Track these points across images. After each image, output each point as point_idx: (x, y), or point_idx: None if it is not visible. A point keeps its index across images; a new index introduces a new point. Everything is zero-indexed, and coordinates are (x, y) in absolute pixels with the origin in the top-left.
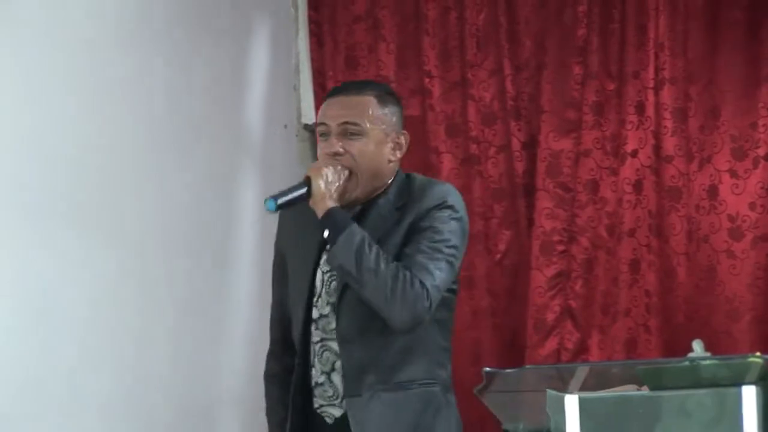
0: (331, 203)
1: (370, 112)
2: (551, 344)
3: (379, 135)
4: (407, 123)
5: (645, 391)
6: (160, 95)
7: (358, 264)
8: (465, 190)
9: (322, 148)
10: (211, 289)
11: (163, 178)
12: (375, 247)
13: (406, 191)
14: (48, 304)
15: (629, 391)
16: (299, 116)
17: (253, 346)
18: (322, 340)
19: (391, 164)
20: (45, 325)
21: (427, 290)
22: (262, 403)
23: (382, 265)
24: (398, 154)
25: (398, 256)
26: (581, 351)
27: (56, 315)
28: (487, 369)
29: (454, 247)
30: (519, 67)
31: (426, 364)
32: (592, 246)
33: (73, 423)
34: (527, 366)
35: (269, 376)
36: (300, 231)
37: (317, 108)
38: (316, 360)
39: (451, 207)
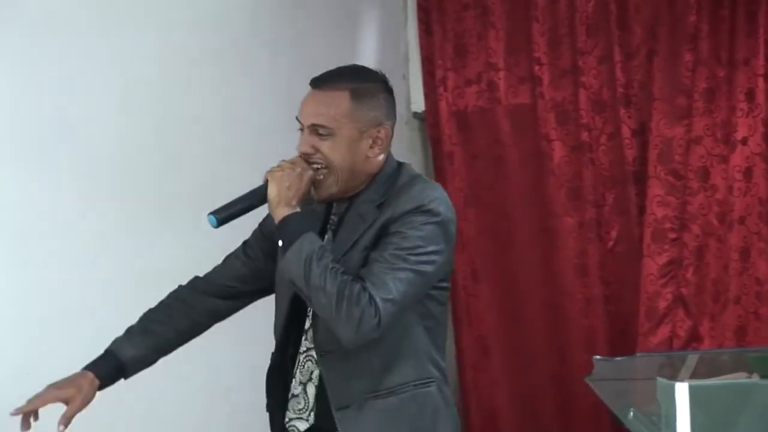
0: (286, 210)
1: (342, 110)
2: (663, 332)
3: (351, 133)
4: (517, 111)
5: (755, 378)
6: (268, 85)
7: (307, 279)
8: (576, 178)
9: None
10: None
11: (272, 165)
12: (324, 260)
13: (390, 188)
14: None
15: (740, 378)
16: (409, 105)
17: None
18: (308, 350)
19: (372, 159)
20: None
21: (377, 306)
22: None
23: (329, 281)
24: (377, 150)
25: (366, 260)
26: (693, 338)
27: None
28: (598, 357)
29: (426, 254)
30: (629, 54)
31: (417, 364)
32: (704, 233)
33: (162, 408)
34: (638, 354)
35: (184, 288)
36: None
37: (426, 96)
38: (297, 371)
39: (428, 211)
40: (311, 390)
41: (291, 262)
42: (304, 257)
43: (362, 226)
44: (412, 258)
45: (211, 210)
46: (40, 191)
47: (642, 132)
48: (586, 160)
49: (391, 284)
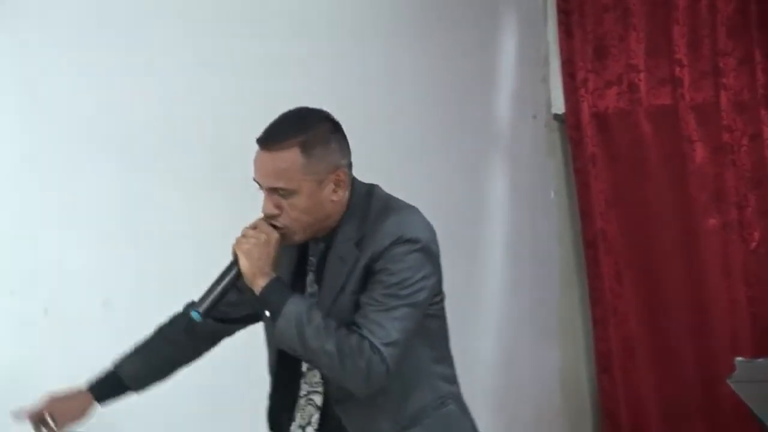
0: (263, 280)
1: (296, 168)
2: None
3: (311, 186)
4: (658, 112)
5: None
6: (409, 88)
7: (303, 345)
8: (718, 179)
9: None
10: (462, 280)
11: (412, 170)
12: (315, 321)
13: (364, 220)
14: None
15: None
16: (549, 107)
17: (503, 335)
18: (308, 393)
19: (336, 202)
20: None
21: (380, 353)
22: (509, 393)
23: (325, 341)
24: (341, 192)
25: (356, 303)
26: None
27: None
28: (739, 358)
29: (415, 283)
30: None
31: (431, 384)
32: None
33: None
34: None
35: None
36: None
37: (567, 98)
38: (298, 414)
39: (408, 241)
40: None
41: (283, 332)
42: (294, 324)
43: (345, 269)
44: (403, 292)
45: (191, 303)
46: (149, 192)
47: None
48: (727, 162)
49: (389, 326)
